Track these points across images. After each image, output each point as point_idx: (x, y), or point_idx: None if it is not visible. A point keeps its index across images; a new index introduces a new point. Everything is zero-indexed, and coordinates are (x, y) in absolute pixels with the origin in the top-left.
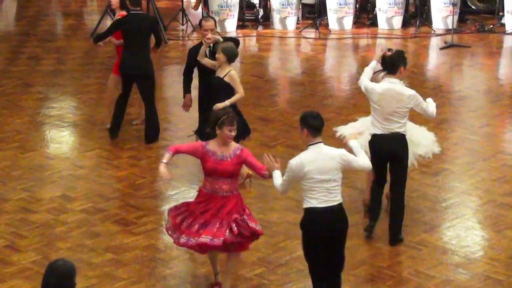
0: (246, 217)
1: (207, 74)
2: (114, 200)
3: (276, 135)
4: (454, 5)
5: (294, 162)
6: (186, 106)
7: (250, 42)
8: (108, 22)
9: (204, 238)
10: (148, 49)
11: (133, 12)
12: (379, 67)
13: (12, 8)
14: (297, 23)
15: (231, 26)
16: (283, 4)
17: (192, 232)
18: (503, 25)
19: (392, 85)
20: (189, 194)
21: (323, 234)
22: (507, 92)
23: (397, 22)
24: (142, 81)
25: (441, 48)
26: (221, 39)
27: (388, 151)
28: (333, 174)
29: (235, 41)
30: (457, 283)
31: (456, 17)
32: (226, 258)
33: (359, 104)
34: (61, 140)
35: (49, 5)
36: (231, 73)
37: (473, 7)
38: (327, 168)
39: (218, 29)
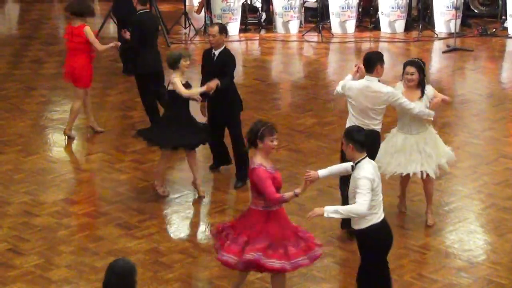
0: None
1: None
2: (117, 204)
3: (278, 138)
4: (456, 9)
5: (369, 174)
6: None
7: (252, 46)
8: (110, 26)
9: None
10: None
11: (145, 11)
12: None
13: (15, 12)
14: (300, 27)
15: (233, 30)
16: (285, 8)
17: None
18: (506, 29)
19: (369, 82)
20: (192, 198)
21: (383, 248)
22: (510, 96)
23: (400, 25)
24: (157, 77)
25: (444, 52)
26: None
27: None
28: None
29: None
30: (459, 287)
31: (458, 21)
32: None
33: None
34: (63, 143)
35: (52, 9)
36: (172, 80)
37: (475, 11)
38: (379, 180)
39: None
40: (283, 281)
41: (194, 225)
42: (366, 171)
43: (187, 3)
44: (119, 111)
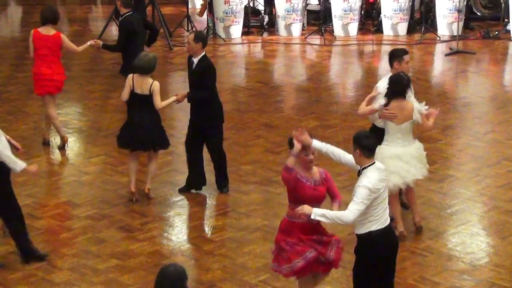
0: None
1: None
2: (119, 206)
3: (281, 141)
4: (459, 11)
5: (370, 185)
6: None
7: (255, 49)
8: (113, 28)
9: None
10: None
11: (130, 14)
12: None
13: (18, 14)
14: (302, 30)
15: (236, 32)
16: (288, 11)
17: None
18: (508, 31)
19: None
20: (193, 200)
21: (385, 255)
22: None
23: (402, 28)
24: None
25: (446, 55)
26: None
27: None
28: (387, 191)
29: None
30: None
31: (461, 24)
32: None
33: None
34: (66, 146)
35: None
36: (154, 88)
37: (478, 13)
38: (385, 186)
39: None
40: (308, 282)
41: (196, 228)
42: (368, 180)
43: (189, 6)
44: (121, 113)
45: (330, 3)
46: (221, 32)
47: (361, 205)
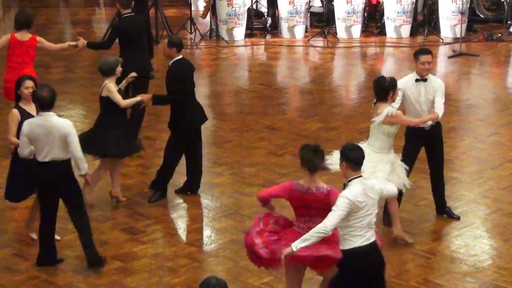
0: None
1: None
2: (122, 209)
3: (284, 143)
4: (462, 13)
5: (350, 196)
6: None
7: (258, 51)
8: None
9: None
10: None
11: (129, 15)
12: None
13: None
14: (305, 32)
15: (239, 34)
16: (291, 13)
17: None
18: None
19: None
20: (197, 202)
21: (370, 273)
22: None
23: (405, 30)
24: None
25: (450, 57)
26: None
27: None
28: (374, 209)
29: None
30: None
31: (464, 26)
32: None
33: (367, 112)
34: None
35: (58, 14)
36: (109, 88)
37: (481, 16)
38: (371, 203)
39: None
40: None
41: (200, 230)
42: (350, 191)
43: (192, 8)
44: None
45: (333, 5)
46: (224, 34)
47: (338, 212)
